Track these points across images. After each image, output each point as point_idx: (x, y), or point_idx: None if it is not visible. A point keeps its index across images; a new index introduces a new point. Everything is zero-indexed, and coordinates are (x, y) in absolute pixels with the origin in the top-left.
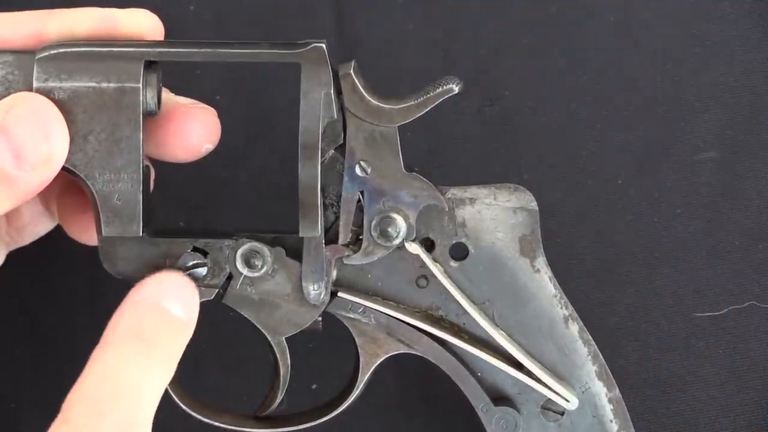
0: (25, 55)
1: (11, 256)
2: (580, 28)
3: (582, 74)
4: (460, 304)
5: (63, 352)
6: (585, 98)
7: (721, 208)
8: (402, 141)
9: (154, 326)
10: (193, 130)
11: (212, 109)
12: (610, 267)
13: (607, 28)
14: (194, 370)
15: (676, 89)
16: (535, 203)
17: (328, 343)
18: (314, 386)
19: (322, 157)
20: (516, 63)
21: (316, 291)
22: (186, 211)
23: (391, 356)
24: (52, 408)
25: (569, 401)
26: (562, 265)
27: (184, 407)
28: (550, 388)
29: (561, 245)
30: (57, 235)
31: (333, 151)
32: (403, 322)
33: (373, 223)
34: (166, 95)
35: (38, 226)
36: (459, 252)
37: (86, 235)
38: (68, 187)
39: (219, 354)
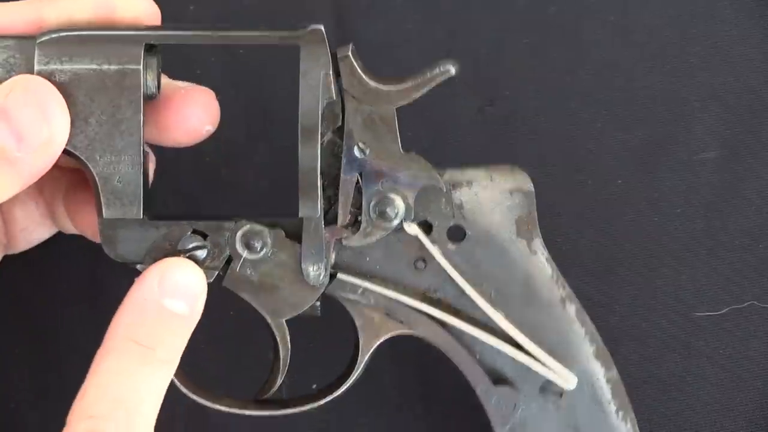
0: (25, 40)
1: (11, 257)
2: (579, 28)
3: (582, 74)
4: (457, 287)
5: (63, 352)
6: (585, 98)
7: (721, 207)
8: (402, 140)
9: (154, 330)
10: (193, 113)
11: (210, 90)
12: (610, 267)
13: (607, 28)
14: (191, 359)
15: (676, 89)
16: (531, 184)
17: (329, 344)
18: (314, 386)
19: (320, 139)
20: (516, 63)
21: (315, 272)
22: (184, 207)
23: (389, 355)
24: (52, 407)
25: (568, 381)
26: (563, 264)
27: (185, 390)
28: (549, 368)
29: (561, 245)
30: (57, 234)
31: (331, 134)
32: (403, 303)
33: (372, 204)
34: (165, 80)
35: (33, 233)
36: (456, 234)
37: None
38: (76, 185)
39: (216, 342)
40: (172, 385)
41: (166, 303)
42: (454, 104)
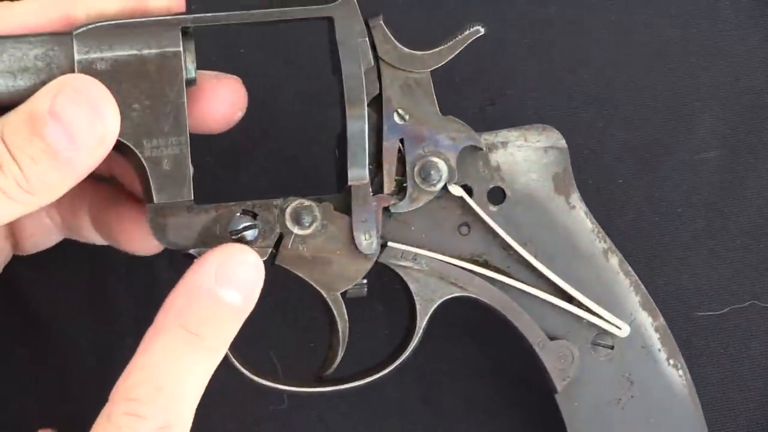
0: (61, 35)
1: (13, 261)
2: (580, 27)
3: (582, 74)
4: (503, 249)
5: (63, 352)
6: (585, 98)
7: (721, 207)
8: None
9: (205, 318)
10: (226, 99)
11: (238, 77)
12: None
13: (608, 27)
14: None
15: (676, 89)
16: (564, 141)
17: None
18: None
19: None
20: (516, 63)
21: (368, 240)
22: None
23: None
24: (53, 408)
25: (621, 329)
26: None
27: (246, 373)
28: (602, 318)
29: None
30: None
31: (367, 108)
32: (455, 265)
33: (416, 168)
34: None
35: (40, 241)
36: (496, 196)
37: (139, 242)
38: (103, 198)
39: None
40: None
41: (222, 293)
42: (456, 104)
